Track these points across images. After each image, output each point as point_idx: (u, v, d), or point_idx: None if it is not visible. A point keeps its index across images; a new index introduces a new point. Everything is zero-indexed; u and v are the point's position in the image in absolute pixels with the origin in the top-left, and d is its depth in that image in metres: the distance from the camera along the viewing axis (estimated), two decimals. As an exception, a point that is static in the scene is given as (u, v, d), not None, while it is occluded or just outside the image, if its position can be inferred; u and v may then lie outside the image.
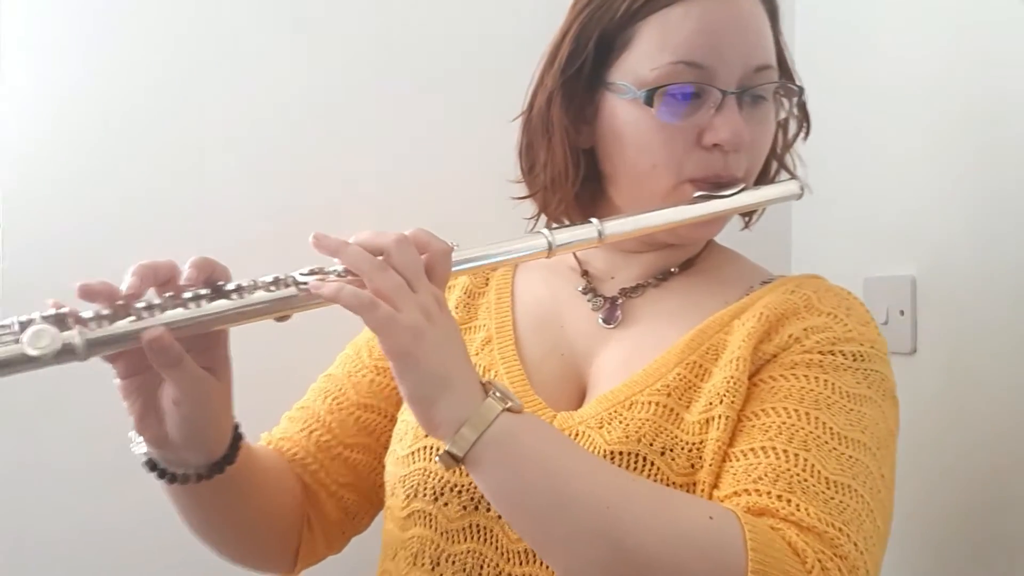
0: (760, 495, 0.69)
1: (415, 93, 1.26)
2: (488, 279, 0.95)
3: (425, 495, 0.80)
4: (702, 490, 0.73)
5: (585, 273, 0.92)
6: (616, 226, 0.79)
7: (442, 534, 0.79)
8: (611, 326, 0.87)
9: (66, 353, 0.62)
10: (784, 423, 0.73)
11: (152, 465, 0.75)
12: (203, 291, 0.67)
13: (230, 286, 0.68)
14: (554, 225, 0.80)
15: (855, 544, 0.66)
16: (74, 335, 0.63)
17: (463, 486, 0.78)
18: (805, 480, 0.69)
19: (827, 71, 1.25)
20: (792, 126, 0.91)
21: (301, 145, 1.25)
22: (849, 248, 1.21)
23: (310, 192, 1.24)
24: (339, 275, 0.69)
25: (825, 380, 0.76)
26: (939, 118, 1.04)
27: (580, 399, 0.84)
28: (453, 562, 0.79)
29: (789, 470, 0.70)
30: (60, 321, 0.63)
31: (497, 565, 0.77)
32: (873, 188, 1.16)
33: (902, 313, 1.08)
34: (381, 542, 0.89)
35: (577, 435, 0.78)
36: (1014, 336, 0.93)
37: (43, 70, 1.20)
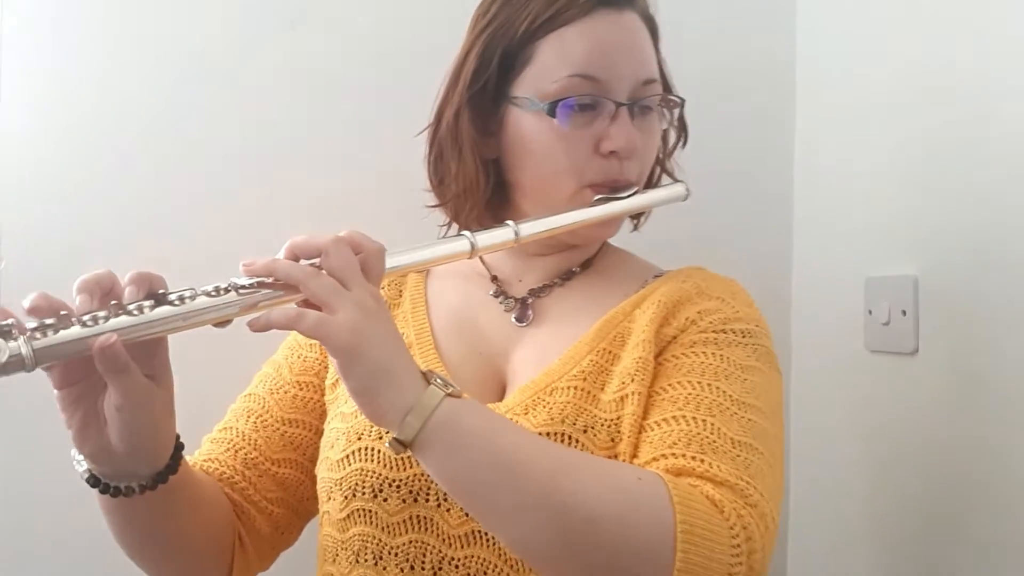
0: (677, 457, 0.76)
1: (421, 96, 1.26)
2: (401, 290, 1.00)
3: (364, 493, 0.83)
4: (623, 460, 0.80)
5: (495, 278, 0.98)
6: (530, 227, 0.87)
7: (383, 529, 0.83)
8: (524, 324, 0.94)
9: (14, 364, 0.63)
10: (690, 394, 0.81)
11: (94, 481, 0.75)
12: (145, 301, 0.69)
13: (172, 294, 0.70)
14: (475, 229, 0.86)
15: (761, 494, 0.75)
16: (21, 345, 0.63)
17: (401, 480, 0.82)
18: (714, 442, 0.77)
19: (828, 72, 1.30)
20: (672, 136, 1.01)
21: (306, 148, 1.26)
22: (851, 248, 1.22)
23: (313, 195, 1.24)
24: (277, 280, 0.73)
25: (721, 355, 0.85)
26: (941, 118, 1.06)
27: (501, 394, 0.90)
28: (396, 554, 0.82)
29: (700, 434, 0.78)
30: (5, 333, 0.64)
31: (439, 551, 0.81)
32: (875, 188, 1.17)
33: (904, 313, 1.09)
34: (317, 548, 0.91)
35: None
36: (1016, 336, 0.94)
37: (42, 70, 1.18)
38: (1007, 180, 0.97)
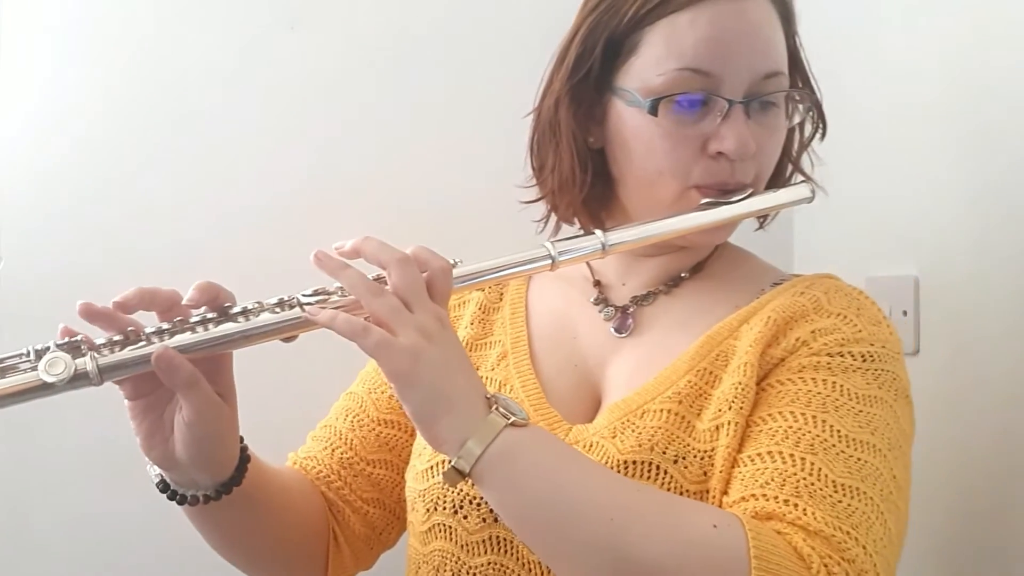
0: (767, 500, 0.68)
1: (421, 97, 1.27)
2: (502, 294, 0.96)
3: (445, 508, 0.81)
4: (713, 497, 0.73)
5: (597, 283, 0.92)
6: (619, 237, 0.80)
7: (462, 547, 0.80)
8: (623, 335, 0.87)
9: (80, 379, 0.65)
10: (791, 427, 0.72)
11: (164, 487, 0.77)
12: (210, 315, 0.70)
13: (236, 309, 0.70)
14: (562, 236, 0.81)
15: (863, 547, 0.65)
16: (87, 361, 0.66)
17: (482, 499, 0.79)
18: (812, 484, 0.68)
19: (829, 71, 1.23)
20: (808, 127, 0.91)
21: (305, 150, 1.26)
22: (851, 248, 1.20)
23: (312, 197, 1.25)
24: (343, 294, 0.71)
25: (833, 382, 0.75)
26: (941, 118, 1.03)
27: (595, 409, 0.85)
28: (474, 575, 0.80)
29: (795, 474, 0.69)
30: (74, 348, 0.66)
31: None
32: (876, 188, 1.15)
33: (905, 313, 1.08)
34: (407, 556, 0.90)
35: (591, 446, 0.78)
36: (1017, 336, 0.92)
37: (42, 72, 1.22)
38: (1007, 180, 0.95)
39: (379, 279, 0.72)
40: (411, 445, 0.92)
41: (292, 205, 1.25)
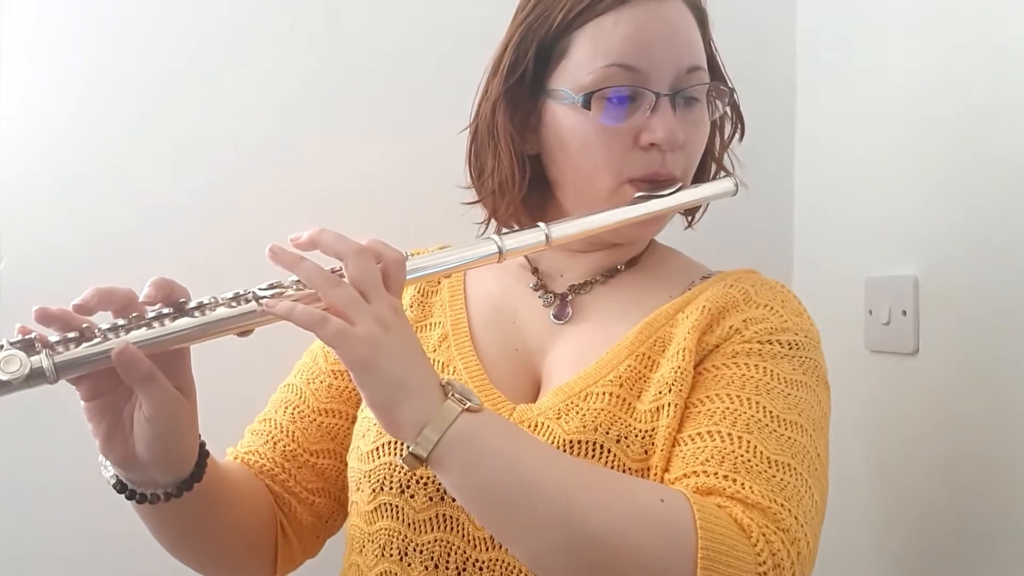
0: (708, 476, 0.73)
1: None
2: (440, 278, 0.98)
3: (391, 488, 0.83)
4: (655, 474, 0.78)
5: (536, 271, 0.96)
6: (562, 229, 0.83)
7: (409, 525, 0.83)
8: (562, 322, 0.91)
9: (36, 376, 0.65)
10: (728, 408, 0.78)
11: (121, 487, 0.76)
12: (165, 311, 0.70)
13: (192, 304, 0.70)
14: (504, 231, 0.83)
15: (796, 518, 0.71)
16: (42, 359, 0.65)
17: (429, 478, 0.81)
18: (749, 460, 0.74)
19: (829, 72, 1.28)
20: (728, 128, 0.96)
21: (302, 149, 1.26)
22: (851, 248, 1.22)
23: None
24: (298, 287, 0.72)
25: (764, 367, 0.80)
26: (942, 118, 1.05)
27: (535, 392, 0.88)
28: (420, 552, 0.82)
29: (734, 452, 0.74)
30: (28, 346, 0.65)
31: (464, 552, 0.81)
32: (875, 188, 1.17)
33: (904, 313, 1.09)
34: (346, 536, 0.92)
35: (536, 426, 0.82)
36: (1016, 336, 0.94)
37: (44, 70, 1.20)
38: (1007, 180, 0.96)
39: (334, 272, 0.73)
40: (352, 432, 0.94)
41: (293, 204, 1.23)
